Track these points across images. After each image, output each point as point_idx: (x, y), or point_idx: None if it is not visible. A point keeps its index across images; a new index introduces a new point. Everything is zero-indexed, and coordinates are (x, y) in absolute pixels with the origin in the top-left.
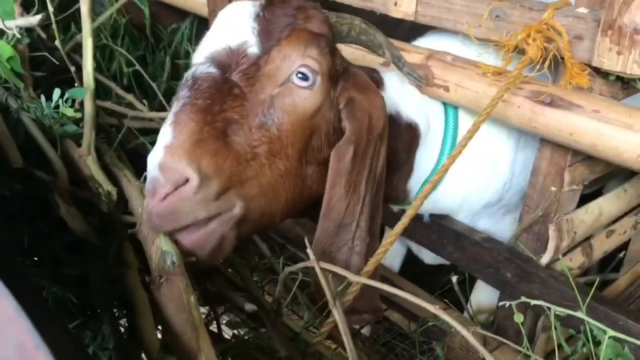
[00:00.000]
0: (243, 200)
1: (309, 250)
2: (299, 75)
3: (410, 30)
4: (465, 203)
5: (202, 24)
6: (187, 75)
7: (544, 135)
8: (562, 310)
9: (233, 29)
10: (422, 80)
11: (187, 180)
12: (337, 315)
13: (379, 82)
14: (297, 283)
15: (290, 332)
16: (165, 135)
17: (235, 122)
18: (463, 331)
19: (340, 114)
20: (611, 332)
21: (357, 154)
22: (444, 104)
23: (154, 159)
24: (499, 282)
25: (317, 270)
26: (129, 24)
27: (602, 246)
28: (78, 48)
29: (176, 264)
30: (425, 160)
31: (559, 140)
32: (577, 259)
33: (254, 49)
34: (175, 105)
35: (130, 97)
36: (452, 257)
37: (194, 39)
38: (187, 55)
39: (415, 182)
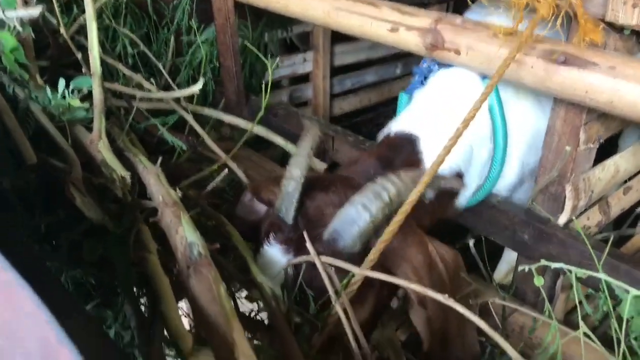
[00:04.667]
0: None
1: (308, 245)
2: None
3: None
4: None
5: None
6: None
7: (559, 95)
8: (584, 272)
9: None
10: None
11: None
12: (340, 309)
13: (419, 162)
14: (301, 274)
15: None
16: None
17: None
18: (474, 319)
19: None
20: (634, 292)
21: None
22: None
23: None
24: (516, 244)
25: (318, 264)
26: (130, 2)
27: (619, 203)
28: (82, 30)
29: (203, 254)
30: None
31: (574, 99)
32: (594, 218)
33: None
34: None
35: (138, 78)
36: (468, 221)
37: (194, 14)
38: (190, 32)
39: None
